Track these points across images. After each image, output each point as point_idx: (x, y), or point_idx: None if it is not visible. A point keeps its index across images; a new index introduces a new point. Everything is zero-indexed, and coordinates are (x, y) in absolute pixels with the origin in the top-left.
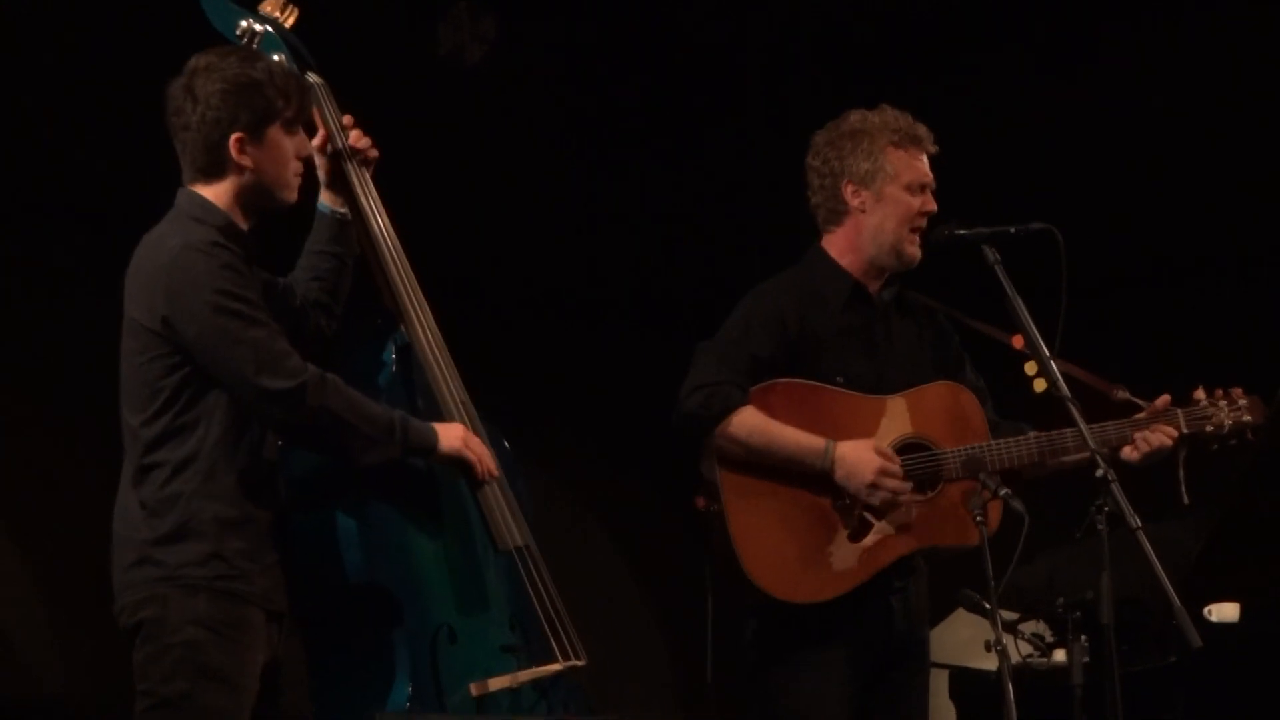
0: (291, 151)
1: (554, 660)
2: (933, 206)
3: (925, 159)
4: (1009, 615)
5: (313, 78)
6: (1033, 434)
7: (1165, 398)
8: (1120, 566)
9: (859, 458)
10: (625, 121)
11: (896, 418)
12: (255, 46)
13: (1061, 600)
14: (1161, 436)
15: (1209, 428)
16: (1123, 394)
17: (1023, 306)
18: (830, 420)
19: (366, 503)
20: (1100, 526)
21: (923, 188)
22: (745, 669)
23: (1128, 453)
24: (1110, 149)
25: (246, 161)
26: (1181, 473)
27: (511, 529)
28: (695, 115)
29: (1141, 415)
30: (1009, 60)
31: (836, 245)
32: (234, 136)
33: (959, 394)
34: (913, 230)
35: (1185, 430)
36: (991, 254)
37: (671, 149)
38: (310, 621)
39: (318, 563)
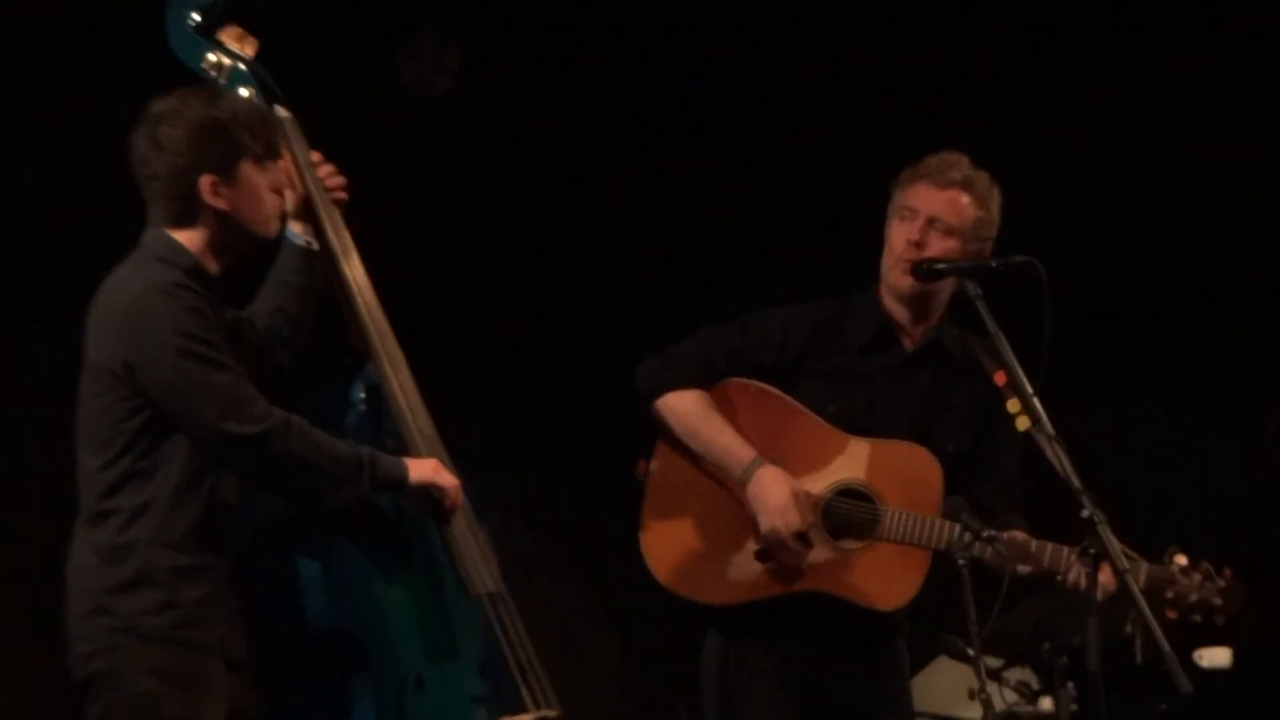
0: (266, 185)
1: (525, 710)
2: (913, 235)
3: (930, 190)
4: (993, 662)
5: (281, 112)
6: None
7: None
8: (1108, 610)
9: (774, 487)
10: (593, 153)
11: (852, 460)
12: (223, 81)
13: (1047, 645)
14: (1106, 578)
15: (1169, 594)
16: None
17: (1005, 342)
18: (785, 440)
19: (331, 546)
20: (1087, 569)
21: (911, 212)
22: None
23: (1065, 578)
24: (1098, 174)
25: (222, 204)
26: (1134, 628)
27: (483, 574)
28: (665, 146)
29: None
30: (990, 86)
31: (882, 286)
32: (205, 180)
33: (926, 461)
34: (900, 260)
35: (1141, 586)
36: (972, 287)
37: (640, 181)
38: (272, 670)
39: (280, 609)
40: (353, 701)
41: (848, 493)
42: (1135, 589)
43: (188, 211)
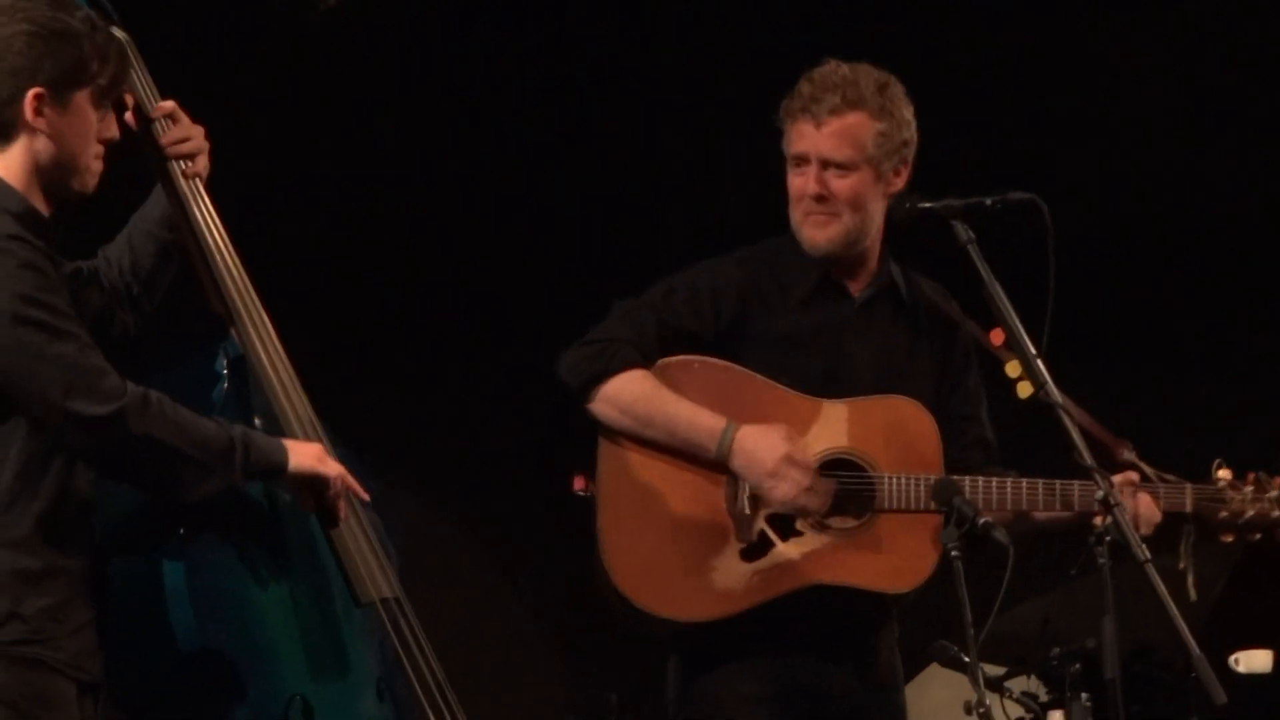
0: (95, 128)
1: None
2: (810, 188)
3: (809, 127)
4: (994, 670)
5: (117, 32)
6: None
7: (1130, 474)
8: (1127, 608)
9: (762, 442)
10: (508, 84)
11: (831, 426)
12: None
13: (1057, 650)
14: (1147, 509)
15: (1222, 514)
16: (1128, 454)
17: (1002, 295)
18: (748, 415)
19: (197, 549)
20: (1101, 560)
21: (800, 160)
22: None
23: (1101, 521)
24: (1116, 91)
25: (41, 125)
26: (1186, 563)
27: (375, 577)
28: (588, 84)
29: (1117, 478)
30: None
31: None
32: (32, 91)
33: (915, 413)
34: (807, 214)
35: (1190, 510)
36: (964, 231)
37: (556, 123)
38: (133, 694)
39: (139, 623)
40: None
41: (833, 464)
42: (1156, 579)
43: (3, 126)
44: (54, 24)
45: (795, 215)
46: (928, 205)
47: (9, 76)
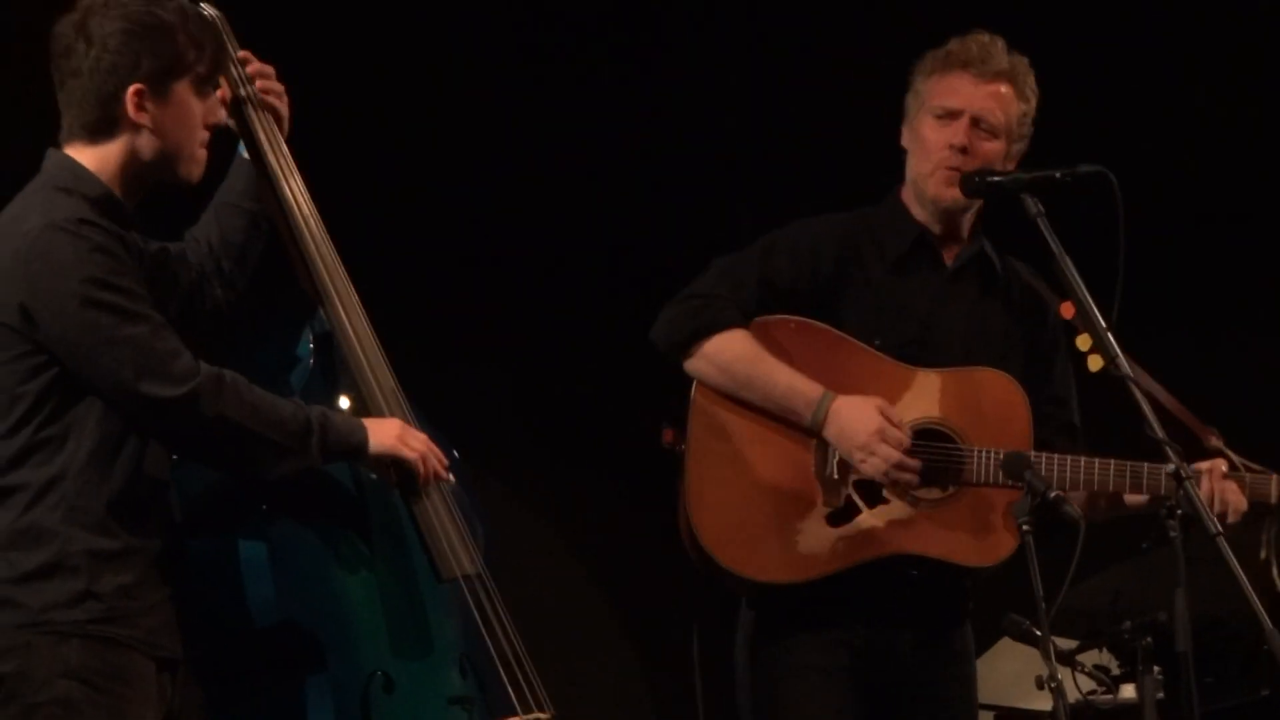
0: (200, 116)
1: (513, 713)
2: (958, 138)
3: (973, 83)
4: (1065, 644)
5: (208, 9)
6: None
7: (1218, 462)
8: (1199, 581)
9: (856, 414)
10: (592, 40)
11: (924, 396)
12: None
13: (1128, 624)
14: (1235, 498)
15: None
16: (1216, 442)
17: (1072, 267)
18: (843, 379)
19: (277, 524)
20: (1173, 533)
21: (950, 114)
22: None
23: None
24: (1189, 53)
25: (144, 119)
26: (1269, 554)
27: (458, 554)
28: (669, 53)
29: (1204, 465)
30: None
31: (907, 191)
32: (132, 88)
33: (1008, 387)
34: (941, 167)
35: (1275, 501)
36: (1034, 204)
37: (638, 90)
38: (213, 670)
39: (219, 599)
40: (309, 707)
41: (923, 434)
42: (1228, 552)
43: (105, 123)
44: (147, 19)
45: (924, 168)
46: (997, 179)
47: (108, 75)
